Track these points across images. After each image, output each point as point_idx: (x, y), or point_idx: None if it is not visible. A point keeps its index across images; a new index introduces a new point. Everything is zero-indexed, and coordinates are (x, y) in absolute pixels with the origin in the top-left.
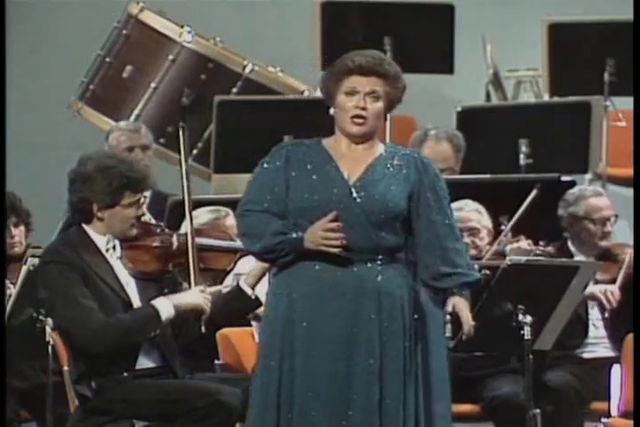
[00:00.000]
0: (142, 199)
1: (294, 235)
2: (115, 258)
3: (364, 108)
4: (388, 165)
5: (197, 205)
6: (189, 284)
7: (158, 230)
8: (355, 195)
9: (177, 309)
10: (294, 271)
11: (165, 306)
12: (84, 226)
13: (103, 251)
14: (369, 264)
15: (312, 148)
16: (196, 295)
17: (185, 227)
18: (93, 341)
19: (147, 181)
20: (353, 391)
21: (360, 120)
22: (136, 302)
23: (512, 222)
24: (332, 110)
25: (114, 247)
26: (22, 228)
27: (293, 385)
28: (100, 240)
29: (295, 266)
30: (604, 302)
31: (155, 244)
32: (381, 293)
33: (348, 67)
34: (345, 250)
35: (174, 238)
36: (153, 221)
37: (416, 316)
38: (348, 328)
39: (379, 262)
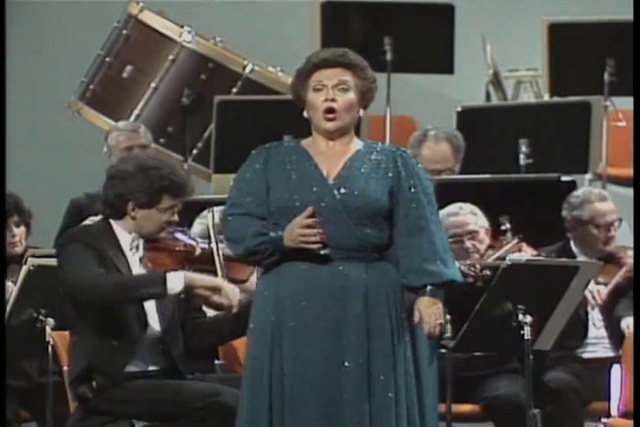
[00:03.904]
0: (178, 206)
1: (274, 234)
2: (136, 257)
3: (333, 100)
4: (367, 161)
5: (198, 205)
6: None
7: (182, 235)
8: (335, 192)
9: (189, 281)
10: (280, 272)
11: (176, 276)
12: (112, 222)
13: (124, 247)
14: (355, 262)
15: (291, 148)
16: (221, 280)
17: (196, 227)
18: (90, 289)
19: (187, 188)
20: (342, 391)
21: (331, 115)
22: (149, 303)
23: (511, 223)
24: (305, 113)
25: (137, 247)
26: (23, 228)
27: (283, 386)
28: (124, 237)
29: (281, 266)
30: (590, 299)
31: (178, 248)
32: (368, 291)
33: (313, 63)
34: (327, 247)
35: (197, 244)
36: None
37: (404, 314)
38: (335, 328)
39: (365, 260)
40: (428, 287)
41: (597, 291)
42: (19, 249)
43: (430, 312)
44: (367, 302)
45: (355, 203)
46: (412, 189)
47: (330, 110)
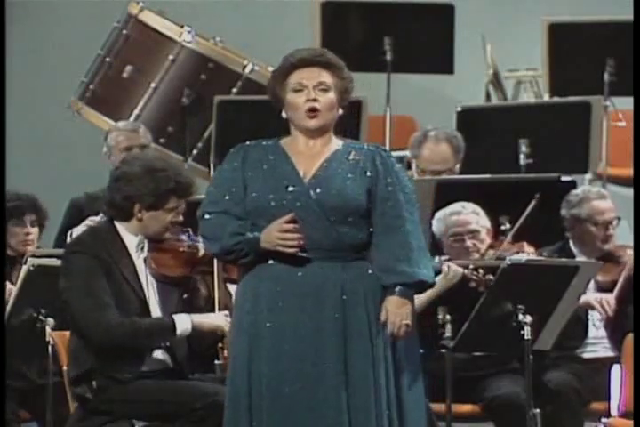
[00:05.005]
0: (183, 206)
1: (251, 235)
2: (140, 258)
3: (315, 100)
4: (345, 160)
5: (198, 205)
6: (213, 297)
7: (185, 236)
8: (311, 192)
9: (196, 327)
10: (258, 272)
11: (184, 322)
12: (116, 223)
13: (130, 250)
14: (332, 262)
15: (269, 148)
16: (219, 318)
17: None
18: (104, 336)
19: (192, 188)
20: (321, 391)
21: (313, 113)
22: (153, 304)
23: (512, 231)
24: (283, 113)
25: (142, 248)
26: (37, 228)
27: (261, 386)
28: (129, 239)
29: (259, 267)
30: (600, 310)
31: (181, 249)
32: (345, 291)
33: (291, 63)
34: (304, 249)
35: (201, 245)
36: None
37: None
38: (312, 328)
39: (342, 260)
40: (398, 287)
41: (607, 301)
42: (31, 248)
43: (397, 312)
44: (344, 302)
45: (331, 202)
46: (390, 188)
47: (312, 110)
